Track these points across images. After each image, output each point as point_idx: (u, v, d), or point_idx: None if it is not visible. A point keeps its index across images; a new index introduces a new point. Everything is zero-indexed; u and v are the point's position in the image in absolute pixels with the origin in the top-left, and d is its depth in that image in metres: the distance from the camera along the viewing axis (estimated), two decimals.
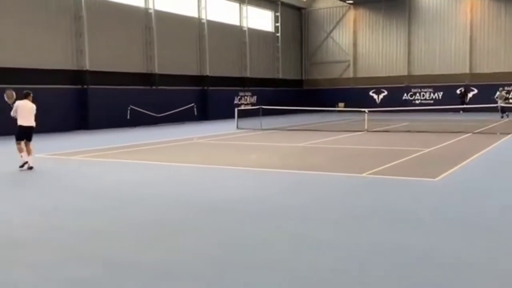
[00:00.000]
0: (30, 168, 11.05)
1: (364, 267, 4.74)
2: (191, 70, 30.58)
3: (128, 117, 25.23)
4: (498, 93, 27.05)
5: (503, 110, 26.61)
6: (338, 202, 7.66)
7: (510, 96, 32.02)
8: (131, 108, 25.45)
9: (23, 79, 20.65)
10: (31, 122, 11.24)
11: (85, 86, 24.06)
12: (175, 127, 25.36)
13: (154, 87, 27.70)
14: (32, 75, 21.55)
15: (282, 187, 9.04)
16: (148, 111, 26.29)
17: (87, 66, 24.01)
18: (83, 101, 23.98)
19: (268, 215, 6.88)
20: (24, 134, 11.14)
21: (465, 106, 32.40)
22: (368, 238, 5.67)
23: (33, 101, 11.42)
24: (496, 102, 27.07)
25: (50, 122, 21.81)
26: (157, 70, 27.75)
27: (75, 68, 23.86)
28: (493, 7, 33.98)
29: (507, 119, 25.28)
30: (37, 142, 12.24)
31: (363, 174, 9.83)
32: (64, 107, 23.16)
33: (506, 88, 33.41)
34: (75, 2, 23.62)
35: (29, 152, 11.12)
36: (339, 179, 9.68)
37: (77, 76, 23.89)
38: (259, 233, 6.01)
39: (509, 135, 16.99)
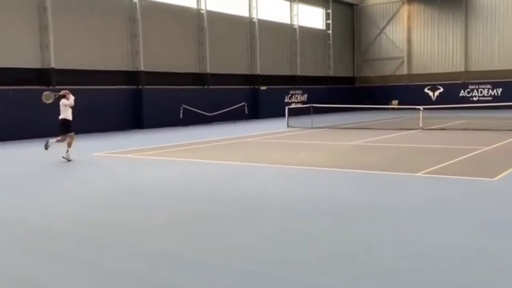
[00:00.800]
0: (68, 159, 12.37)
1: (433, 265, 4.61)
2: (242, 69, 30.80)
3: (181, 117, 25.72)
4: None
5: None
6: (392, 201, 7.49)
7: None
8: (184, 108, 25.93)
9: (81, 80, 21.50)
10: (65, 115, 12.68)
11: (140, 87, 24.72)
12: (226, 126, 25.62)
13: (206, 87, 28.10)
14: (89, 76, 22.37)
15: (335, 185, 8.95)
16: (200, 110, 26.70)
17: (142, 67, 24.65)
18: (138, 101, 24.64)
19: (331, 213, 6.83)
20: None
21: None
22: (426, 237, 5.52)
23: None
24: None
25: (107, 122, 22.62)
26: (209, 69, 28.12)
27: (130, 69, 24.56)
28: None
29: None
30: (94, 141, 12.70)
31: (418, 174, 9.58)
32: (120, 107, 23.88)
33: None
34: (130, 5, 24.32)
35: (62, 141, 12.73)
36: (393, 178, 9.47)
37: (132, 76, 24.58)
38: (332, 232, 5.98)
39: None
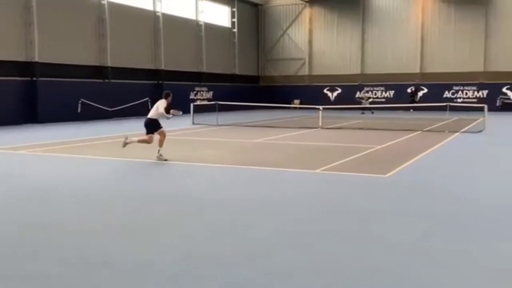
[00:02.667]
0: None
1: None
2: (146, 63, 30.09)
3: (79, 111, 24.57)
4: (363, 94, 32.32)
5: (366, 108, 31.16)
6: (292, 197, 7.73)
7: (370, 96, 34.90)
8: (82, 102, 24.78)
9: None
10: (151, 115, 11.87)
11: (34, 78, 23.22)
12: (128, 121, 24.88)
13: (106, 80, 27.07)
14: None
15: (235, 182, 9.04)
16: (101, 105, 25.67)
17: (36, 57, 23.18)
18: (32, 94, 23.13)
19: (219, 208, 6.87)
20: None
21: (415, 104, 33.38)
22: (311, 227, 5.76)
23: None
24: (360, 103, 32.18)
25: None
26: (110, 63, 27.13)
27: (24, 59, 23.00)
28: (443, 9, 35.13)
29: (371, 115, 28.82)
30: None
31: (317, 170, 9.97)
32: (12, 100, 22.30)
33: (454, 87, 34.79)
34: None
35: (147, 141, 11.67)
36: (293, 175, 9.77)
37: (25, 68, 23.03)
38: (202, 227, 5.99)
39: (457, 133, 17.64)
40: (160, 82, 30.72)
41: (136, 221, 6.36)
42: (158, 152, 11.30)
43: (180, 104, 29.82)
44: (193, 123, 22.56)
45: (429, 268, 4.62)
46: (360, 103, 32.29)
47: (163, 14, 30.88)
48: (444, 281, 4.34)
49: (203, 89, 34.67)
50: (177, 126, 21.36)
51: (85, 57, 25.87)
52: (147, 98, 28.86)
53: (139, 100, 28.20)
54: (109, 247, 5.28)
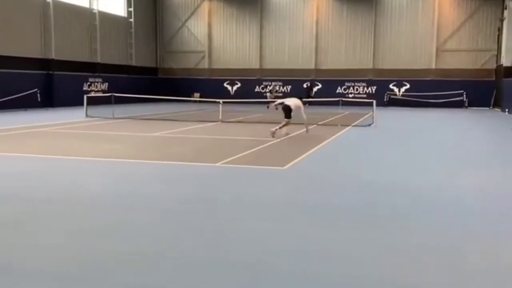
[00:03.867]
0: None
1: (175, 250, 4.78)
2: (35, 52, 28.12)
3: None
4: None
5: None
6: (190, 190, 7.65)
7: (274, 90, 35.49)
8: None
9: None
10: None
11: None
12: (15, 114, 23.15)
13: None
14: None
15: (134, 179, 8.76)
16: None
17: None
18: None
19: (111, 205, 6.62)
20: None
21: (310, 99, 34.68)
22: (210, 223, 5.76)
23: None
24: (266, 97, 31.06)
25: None
26: None
27: None
28: (336, 8, 36.76)
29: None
30: None
31: (217, 164, 9.97)
32: None
33: (346, 83, 36.64)
34: None
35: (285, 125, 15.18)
36: (193, 169, 9.68)
37: None
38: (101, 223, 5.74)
39: (348, 127, 18.59)
40: (51, 72, 28.91)
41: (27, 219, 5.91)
42: (275, 129, 14.72)
43: (72, 96, 28.67)
44: (87, 116, 21.51)
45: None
46: (266, 97, 32.52)
47: (54, 1, 29.02)
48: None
49: (97, 80, 33.18)
50: (69, 119, 20.26)
51: None
52: (36, 89, 27.05)
53: (27, 91, 26.31)
54: None
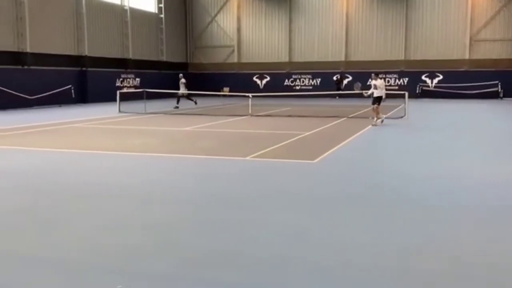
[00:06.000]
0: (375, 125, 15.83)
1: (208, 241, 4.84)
2: (69, 49, 28.77)
3: None
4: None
5: (183, 97, 26.01)
6: (222, 184, 7.74)
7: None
8: None
9: None
10: (379, 94, 16.38)
11: None
12: (51, 110, 23.79)
13: (25, 67, 25.62)
14: None
15: (168, 171, 8.92)
16: (19, 92, 24.30)
17: None
18: None
19: (151, 198, 6.76)
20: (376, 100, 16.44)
21: (340, 92, 34.39)
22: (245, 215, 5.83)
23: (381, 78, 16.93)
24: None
25: None
26: (29, 48, 25.68)
27: None
28: None
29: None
30: None
31: (247, 158, 10.04)
32: None
33: (380, 75, 36.05)
34: None
35: (377, 113, 16.41)
36: (224, 162, 9.78)
37: None
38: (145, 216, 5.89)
39: (379, 120, 18.38)
40: (84, 68, 29.54)
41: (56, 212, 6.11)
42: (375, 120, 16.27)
43: (105, 92, 29.18)
44: (119, 111, 21.93)
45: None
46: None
47: None
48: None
49: (129, 76, 33.73)
50: (103, 115, 20.69)
51: (1, 42, 24.31)
52: (70, 86, 27.70)
53: (61, 87, 26.98)
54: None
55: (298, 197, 6.96)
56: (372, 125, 16.06)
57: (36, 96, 25.13)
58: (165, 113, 22.04)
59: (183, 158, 10.19)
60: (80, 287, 4.02)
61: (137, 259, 4.58)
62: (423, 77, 35.29)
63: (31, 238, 5.18)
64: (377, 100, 16.42)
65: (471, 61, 34.19)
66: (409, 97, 19.61)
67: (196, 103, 26.32)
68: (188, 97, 26.53)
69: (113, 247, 4.89)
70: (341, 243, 5.02)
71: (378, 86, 16.49)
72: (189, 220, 5.87)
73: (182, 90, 25.82)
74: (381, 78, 16.64)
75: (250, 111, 20.73)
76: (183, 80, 26.22)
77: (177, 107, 24.60)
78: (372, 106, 16.76)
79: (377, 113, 16.50)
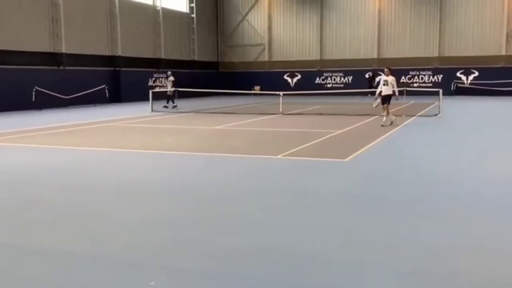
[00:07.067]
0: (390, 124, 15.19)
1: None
2: (102, 50, 29.34)
3: (34, 99, 23.77)
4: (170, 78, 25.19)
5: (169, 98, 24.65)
6: (253, 182, 7.75)
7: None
8: (37, 90, 23.98)
9: None
10: (388, 91, 15.42)
11: None
12: (85, 109, 24.30)
13: (61, 67, 26.26)
14: None
15: (197, 169, 8.98)
16: (55, 92, 24.92)
17: None
18: None
19: (173, 195, 6.82)
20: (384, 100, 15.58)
21: (372, 90, 33.92)
22: (277, 215, 5.81)
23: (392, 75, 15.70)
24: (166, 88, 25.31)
25: None
26: (64, 49, 26.30)
27: None
28: None
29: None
30: None
31: (279, 156, 10.02)
32: None
33: (411, 72, 35.53)
34: None
35: (387, 113, 15.46)
36: (255, 161, 9.79)
37: None
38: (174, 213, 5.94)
39: (413, 117, 18.07)
40: (117, 68, 30.07)
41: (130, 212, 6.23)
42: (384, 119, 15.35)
43: (138, 91, 29.63)
44: (152, 110, 22.23)
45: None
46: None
47: None
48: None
49: (161, 75, 34.15)
50: (136, 114, 21.02)
51: (37, 43, 24.98)
52: (104, 85, 28.24)
53: (95, 87, 27.54)
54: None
55: (330, 196, 6.90)
56: (381, 125, 15.09)
57: (71, 96, 25.72)
58: (196, 112, 22.20)
59: (215, 157, 10.24)
60: (115, 283, 4.09)
61: (182, 253, 4.62)
62: (458, 74, 34.51)
63: (69, 232, 5.30)
64: (387, 98, 15.43)
65: (508, 57, 33.21)
66: (443, 94, 19.19)
67: (175, 107, 23.92)
68: (172, 97, 24.32)
69: (149, 243, 4.96)
70: (401, 245, 4.95)
71: (389, 83, 15.44)
72: (227, 216, 5.89)
73: (170, 88, 24.41)
74: (393, 75, 15.69)
75: (281, 110, 20.70)
76: (171, 78, 24.94)
77: (166, 107, 23.75)
78: (381, 106, 15.89)
79: (388, 113, 15.47)
